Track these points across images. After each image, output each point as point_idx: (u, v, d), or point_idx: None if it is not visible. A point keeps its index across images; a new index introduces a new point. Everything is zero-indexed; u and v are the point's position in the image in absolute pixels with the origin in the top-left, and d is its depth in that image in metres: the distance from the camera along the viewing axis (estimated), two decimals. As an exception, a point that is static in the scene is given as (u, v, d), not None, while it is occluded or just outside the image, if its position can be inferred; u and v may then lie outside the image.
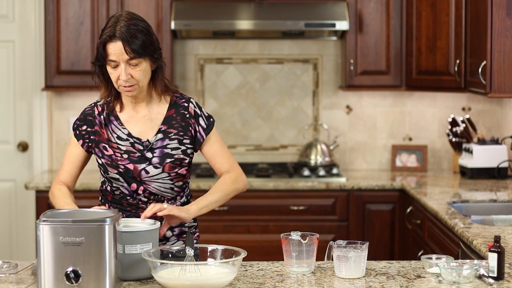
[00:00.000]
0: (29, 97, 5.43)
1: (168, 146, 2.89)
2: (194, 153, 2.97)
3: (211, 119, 2.96)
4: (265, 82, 5.51)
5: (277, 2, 5.13)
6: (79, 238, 2.34)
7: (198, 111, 2.94)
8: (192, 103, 2.94)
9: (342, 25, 5.02)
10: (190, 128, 2.92)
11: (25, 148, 5.47)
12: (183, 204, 2.98)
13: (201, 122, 2.93)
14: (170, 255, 2.61)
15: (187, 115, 2.92)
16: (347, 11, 5.05)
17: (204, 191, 4.89)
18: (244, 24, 5.08)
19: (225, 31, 5.24)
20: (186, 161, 2.92)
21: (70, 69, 5.12)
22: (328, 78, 5.50)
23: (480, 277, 2.57)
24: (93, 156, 2.97)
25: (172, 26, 4.99)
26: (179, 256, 2.60)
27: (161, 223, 2.78)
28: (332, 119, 5.51)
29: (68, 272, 2.34)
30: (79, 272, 2.34)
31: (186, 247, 2.55)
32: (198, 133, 2.92)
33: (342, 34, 5.32)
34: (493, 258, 2.55)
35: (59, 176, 2.99)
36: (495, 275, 2.55)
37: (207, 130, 2.94)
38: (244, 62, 5.50)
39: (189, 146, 2.92)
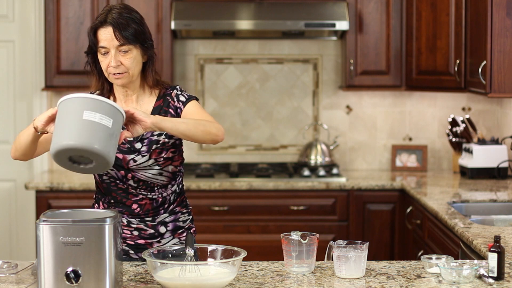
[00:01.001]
0: (29, 97, 5.43)
1: (154, 133, 2.91)
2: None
3: (193, 96, 2.96)
4: (265, 82, 5.50)
5: (277, 2, 5.13)
6: (79, 238, 2.34)
7: (179, 93, 2.95)
8: (176, 89, 2.96)
9: (342, 25, 5.01)
10: (171, 110, 2.92)
11: (25, 148, 5.46)
12: (175, 192, 2.99)
13: (181, 98, 2.94)
14: (170, 255, 2.61)
15: (170, 100, 2.94)
16: (347, 11, 5.05)
17: (204, 191, 4.94)
18: (244, 24, 5.08)
19: (225, 31, 5.24)
20: (169, 143, 2.92)
21: (70, 69, 5.12)
22: (328, 78, 5.50)
23: (480, 277, 2.57)
24: None
25: (172, 26, 4.99)
26: (179, 256, 2.60)
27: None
28: (332, 119, 5.51)
29: (68, 272, 2.34)
30: (79, 272, 2.34)
31: (186, 247, 2.55)
32: (178, 109, 2.93)
33: (342, 34, 5.31)
34: (493, 258, 2.55)
35: None
36: (495, 275, 2.55)
37: (186, 102, 2.93)
38: (244, 62, 5.50)
39: None
